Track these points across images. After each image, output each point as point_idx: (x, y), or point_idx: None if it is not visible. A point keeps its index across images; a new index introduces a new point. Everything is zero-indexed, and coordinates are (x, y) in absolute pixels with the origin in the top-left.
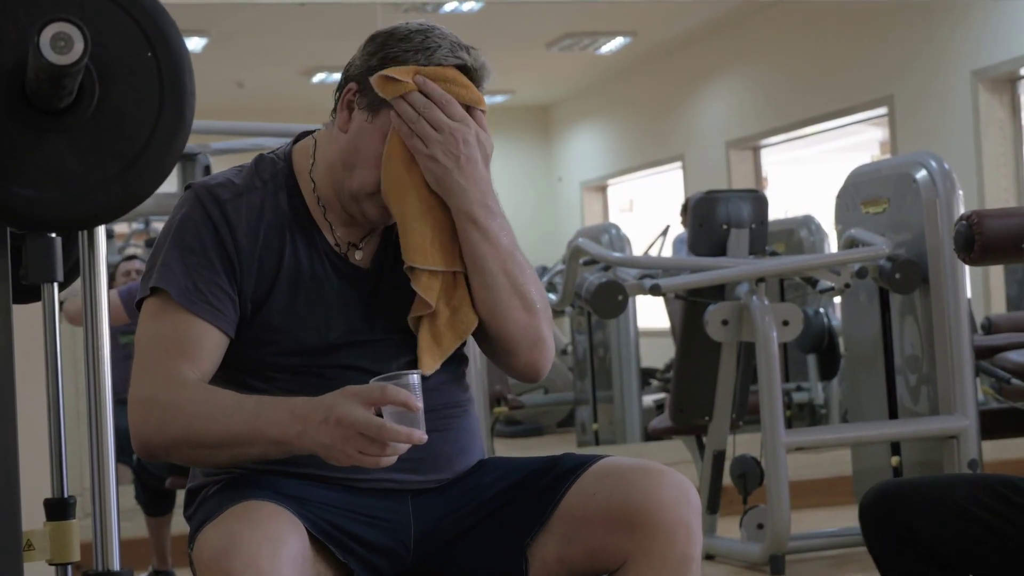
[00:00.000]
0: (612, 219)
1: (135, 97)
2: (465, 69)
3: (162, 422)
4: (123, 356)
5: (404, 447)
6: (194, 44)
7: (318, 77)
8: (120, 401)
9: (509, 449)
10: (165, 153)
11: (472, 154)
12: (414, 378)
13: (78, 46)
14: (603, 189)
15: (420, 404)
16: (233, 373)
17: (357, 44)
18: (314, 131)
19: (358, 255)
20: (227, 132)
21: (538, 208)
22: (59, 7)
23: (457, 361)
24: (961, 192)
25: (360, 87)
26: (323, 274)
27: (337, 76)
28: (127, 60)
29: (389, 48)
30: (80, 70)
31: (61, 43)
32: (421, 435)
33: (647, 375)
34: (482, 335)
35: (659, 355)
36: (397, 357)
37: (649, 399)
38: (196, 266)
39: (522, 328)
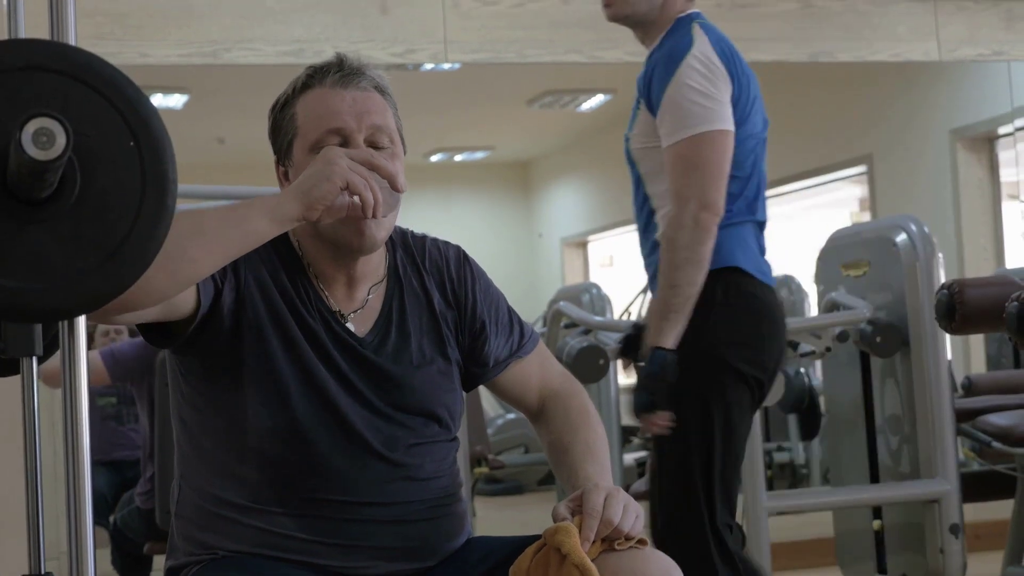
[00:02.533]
0: (592, 275)
1: (117, 186)
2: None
3: None
4: (100, 418)
5: (389, 197)
6: (175, 101)
7: None
8: (97, 463)
9: (490, 507)
10: (147, 242)
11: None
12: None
13: (60, 141)
14: (583, 245)
15: (399, 197)
16: (215, 446)
17: None
18: None
19: (352, 321)
20: (206, 196)
21: (518, 264)
22: (41, 100)
23: (451, 449)
24: (941, 255)
25: (277, 155)
26: (319, 337)
27: None
28: (109, 149)
29: (274, 103)
30: (62, 164)
31: (43, 138)
32: (401, 181)
33: (628, 433)
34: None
35: None
36: (394, 438)
37: (630, 457)
38: None
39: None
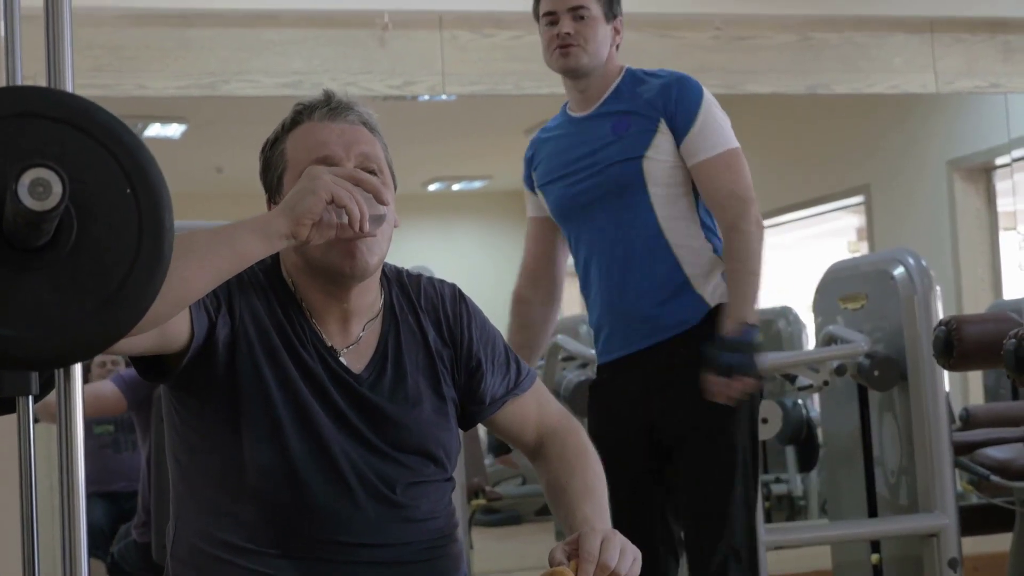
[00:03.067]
0: None
1: (114, 234)
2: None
3: None
4: (97, 446)
5: (375, 210)
6: (173, 130)
7: None
8: (93, 494)
9: (488, 539)
10: (144, 290)
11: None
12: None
13: (57, 191)
14: None
15: (384, 211)
16: (211, 486)
17: None
18: None
19: (347, 358)
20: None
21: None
22: (38, 149)
23: (447, 489)
24: (939, 288)
25: (268, 193)
26: (315, 374)
27: None
28: (106, 196)
29: (263, 145)
30: (59, 214)
31: (40, 189)
32: (387, 196)
33: None
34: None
35: None
36: (391, 478)
37: None
38: None
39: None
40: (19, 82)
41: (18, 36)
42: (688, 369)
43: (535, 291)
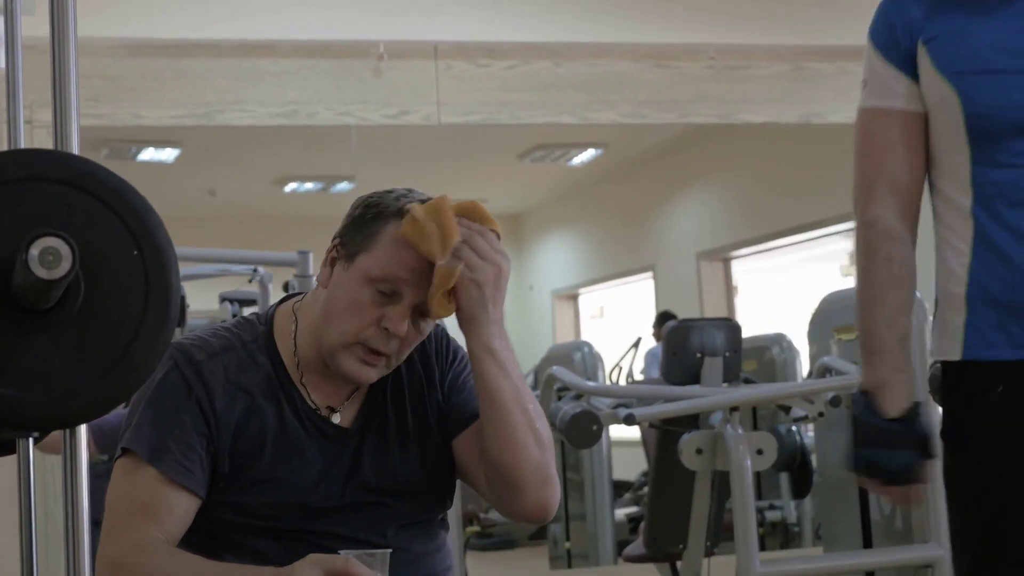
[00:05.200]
0: (583, 327)
1: (121, 295)
2: None
3: None
4: (92, 476)
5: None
6: (167, 155)
7: (290, 187)
8: (95, 522)
9: (482, 562)
10: (150, 351)
11: (503, 288)
12: (384, 555)
13: (66, 260)
14: (574, 298)
15: None
16: (205, 541)
17: (329, 155)
18: (297, 295)
19: (336, 418)
20: (198, 259)
21: (509, 316)
22: (45, 214)
23: (441, 529)
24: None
25: (342, 240)
26: (302, 436)
27: (309, 186)
28: (113, 258)
29: (371, 200)
30: (67, 281)
31: (49, 258)
32: None
33: (620, 488)
34: (491, 476)
35: (631, 467)
36: (380, 524)
37: (621, 512)
38: (168, 427)
39: (535, 465)
40: (21, 119)
41: (19, 70)
42: None
43: (905, 223)
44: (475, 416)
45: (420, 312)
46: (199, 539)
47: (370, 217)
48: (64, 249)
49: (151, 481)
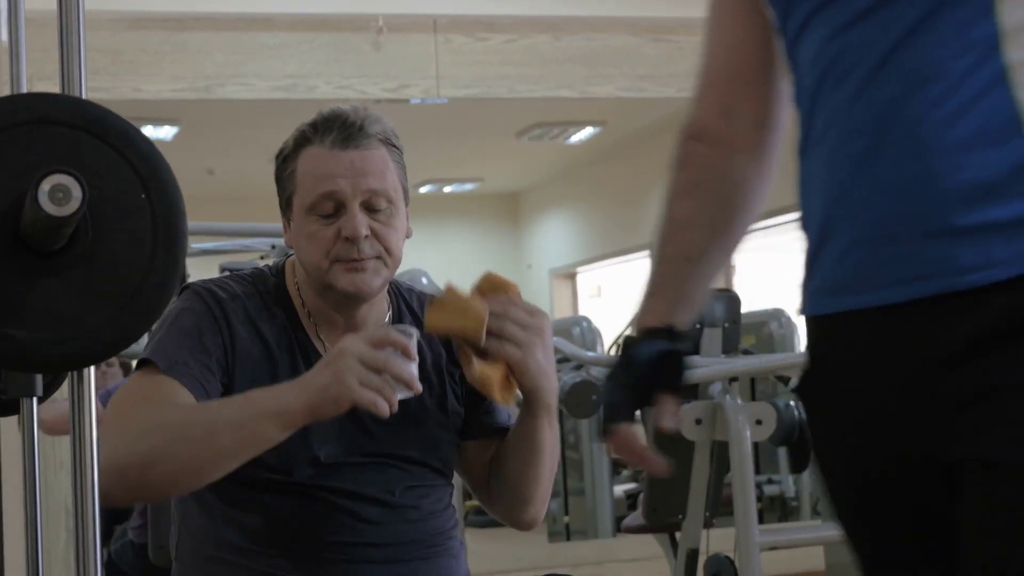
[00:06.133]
0: (581, 306)
1: (129, 239)
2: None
3: (139, 434)
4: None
5: (402, 394)
6: (165, 132)
7: None
8: None
9: (481, 539)
10: (158, 295)
11: (550, 346)
12: (414, 331)
13: (76, 197)
14: (572, 276)
15: (416, 358)
16: (212, 497)
17: None
18: None
19: None
20: (196, 232)
21: None
22: (55, 154)
23: (447, 491)
24: None
25: (279, 200)
26: None
27: None
28: (122, 202)
29: (278, 152)
30: (77, 219)
31: (59, 195)
32: (417, 385)
33: (618, 464)
34: (498, 488)
35: None
36: (389, 483)
37: (619, 489)
38: (190, 347)
39: (544, 492)
40: (24, 86)
41: (23, 40)
42: None
43: (730, 121)
44: (498, 431)
45: (368, 207)
46: (206, 494)
47: (281, 164)
48: (74, 186)
49: (164, 383)
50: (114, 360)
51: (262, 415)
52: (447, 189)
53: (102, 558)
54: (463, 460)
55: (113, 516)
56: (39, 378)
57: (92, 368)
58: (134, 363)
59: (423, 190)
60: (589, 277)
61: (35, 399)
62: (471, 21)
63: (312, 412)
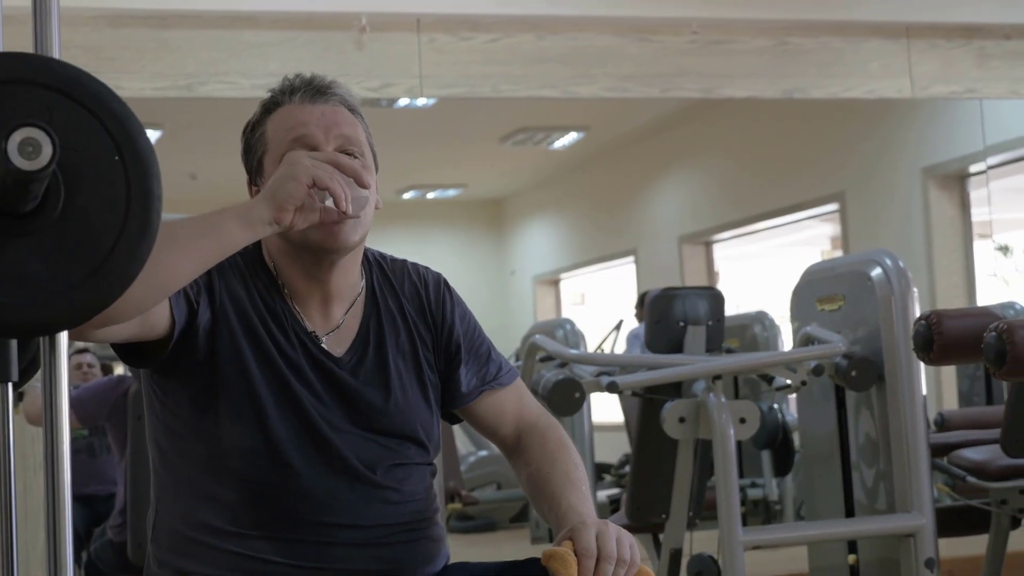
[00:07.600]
0: (564, 312)
1: (101, 201)
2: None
3: None
4: (72, 451)
5: (357, 192)
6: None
7: None
8: (76, 497)
9: (463, 545)
10: (131, 258)
11: None
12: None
13: (46, 152)
14: (556, 283)
15: (367, 193)
16: (196, 471)
17: None
18: None
19: (328, 342)
20: None
21: (491, 301)
22: (27, 112)
23: (428, 473)
24: (916, 290)
25: (248, 171)
26: (296, 357)
27: None
28: (94, 163)
29: (246, 124)
30: (47, 175)
31: (29, 148)
32: (366, 179)
33: (601, 470)
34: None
35: (612, 450)
36: (370, 463)
37: (603, 495)
38: None
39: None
40: None
41: None
42: None
43: None
44: (486, 384)
45: (342, 153)
46: (182, 474)
47: (249, 133)
48: (44, 140)
49: None
50: (95, 361)
51: (223, 210)
52: (430, 195)
53: (75, 542)
54: (479, 425)
55: (92, 519)
56: (15, 362)
57: (65, 341)
58: (115, 366)
59: (406, 196)
60: (573, 284)
61: (10, 384)
62: (454, 20)
63: (273, 200)
